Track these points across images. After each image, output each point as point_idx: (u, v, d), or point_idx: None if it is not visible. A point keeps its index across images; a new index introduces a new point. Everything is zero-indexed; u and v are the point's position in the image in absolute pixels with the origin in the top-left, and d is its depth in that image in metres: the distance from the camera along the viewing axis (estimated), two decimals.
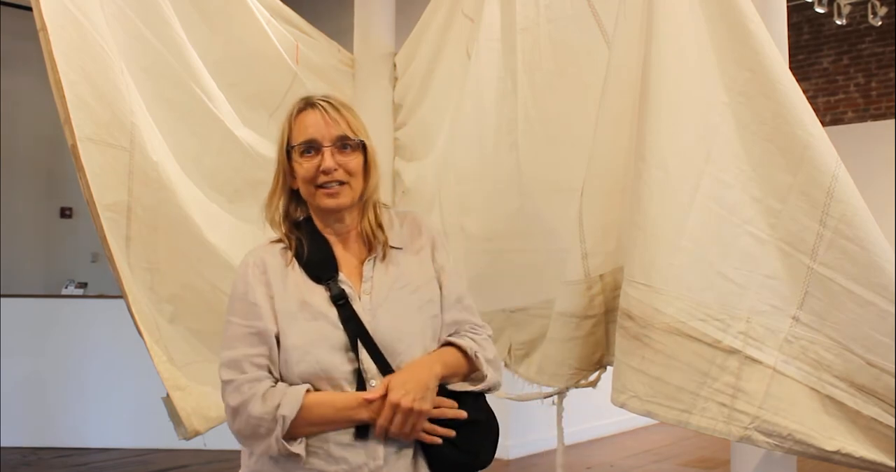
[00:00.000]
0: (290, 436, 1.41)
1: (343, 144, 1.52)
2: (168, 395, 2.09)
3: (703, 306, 1.72)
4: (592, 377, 2.18)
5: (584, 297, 2.02)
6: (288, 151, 1.53)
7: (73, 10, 1.88)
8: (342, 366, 1.45)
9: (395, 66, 2.90)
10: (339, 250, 1.56)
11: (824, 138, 1.66)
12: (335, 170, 1.50)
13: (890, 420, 1.61)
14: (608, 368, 2.03)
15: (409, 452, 1.46)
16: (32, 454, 5.00)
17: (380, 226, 1.58)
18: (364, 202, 1.57)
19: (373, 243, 1.56)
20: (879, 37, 7.67)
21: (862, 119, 7.84)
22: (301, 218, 1.59)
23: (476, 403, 1.52)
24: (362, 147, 1.55)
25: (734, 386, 1.70)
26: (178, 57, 2.21)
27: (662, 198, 1.76)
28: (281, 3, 2.64)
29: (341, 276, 1.52)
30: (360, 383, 1.45)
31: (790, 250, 1.70)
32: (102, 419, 5.24)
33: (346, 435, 1.44)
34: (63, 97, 1.84)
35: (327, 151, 1.50)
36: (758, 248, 1.72)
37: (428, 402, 1.43)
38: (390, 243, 1.57)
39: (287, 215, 1.58)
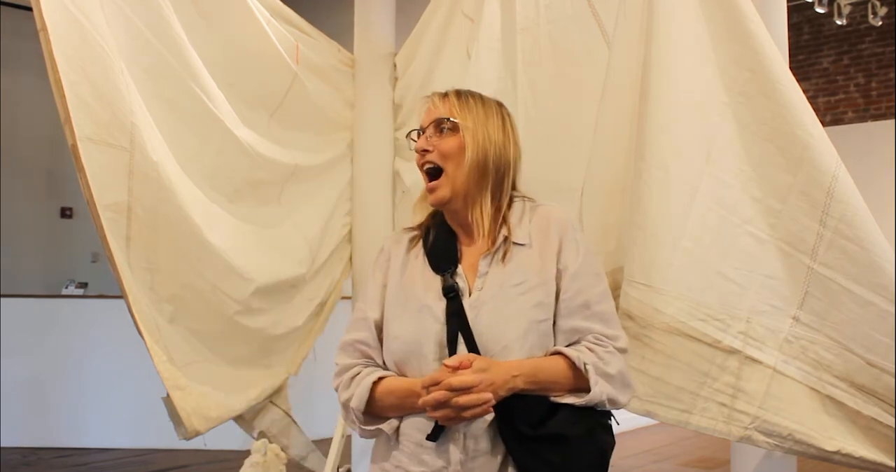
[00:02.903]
0: (374, 418, 1.45)
1: (441, 126, 1.50)
2: (168, 395, 2.09)
3: (703, 306, 1.72)
4: None
5: None
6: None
7: (73, 10, 1.88)
8: (434, 363, 1.40)
9: (395, 66, 2.90)
10: (464, 242, 1.53)
11: (824, 138, 1.66)
12: (429, 151, 1.49)
13: (890, 420, 1.61)
14: None
15: (495, 462, 1.39)
16: (32, 454, 5.00)
17: (495, 219, 1.50)
18: (470, 191, 1.49)
19: (496, 237, 1.50)
20: (879, 37, 7.67)
21: (862, 119, 7.84)
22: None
23: (572, 416, 1.37)
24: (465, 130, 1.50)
25: (734, 386, 1.70)
26: (178, 57, 2.21)
27: (662, 198, 1.76)
28: (281, 3, 2.64)
29: (459, 269, 1.49)
30: None
31: (790, 250, 1.70)
32: (102, 419, 5.24)
33: (422, 435, 1.40)
34: (63, 97, 1.84)
35: (425, 133, 1.52)
36: (758, 248, 1.72)
37: (485, 401, 1.31)
38: (514, 238, 1.48)
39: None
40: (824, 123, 1.75)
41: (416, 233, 1.58)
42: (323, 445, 2.82)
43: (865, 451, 1.63)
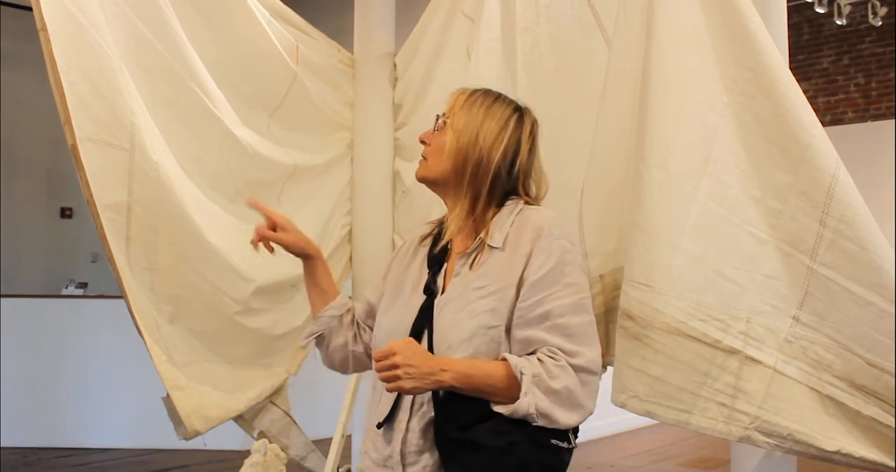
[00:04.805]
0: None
1: (440, 121, 1.57)
2: (168, 395, 2.09)
3: (703, 306, 1.72)
4: None
5: None
6: None
7: (73, 10, 1.88)
8: None
9: (395, 66, 2.90)
10: (457, 240, 1.55)
11: (824, 138, 1.66)
12: (426, 143, 1.57)
13: (890, 420, 1.61)
14: (608, 368, 2.03)
15: (433, 459, 1.40)
16: (32, 454, 5.00)
17: (465, 222, 1.52)
18: (449, 191, 1.54)
19: (475, 239, 1.51)
20: (879, 37, 7.67)
21: (862, 119, 7.85)
22: None
23: (499, 426, 1.34)
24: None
25: (734, 386, 1.70)
26: (178, 57, 2.21)
27: (663, 198, 1.76)
28: (281, 3, 2.64)
29: (445, 267, 1.54)
30: None
31: (790, 250, 1.70)
32: (102, 419, 5.24)
33: (377, 421, 1.48)
34: (63, 97, 1.84)
35: (434, 125, 1.58)
36: (758, 248, 1.72)
37: (407, 384, 1.31)
38: (489, 241, 1.47)
39: None
40: (824, 123, 1.75)
41: (433, 227, 1.64)
42: (323, 445, 2.82)
43: (866, 451, 1.63)
